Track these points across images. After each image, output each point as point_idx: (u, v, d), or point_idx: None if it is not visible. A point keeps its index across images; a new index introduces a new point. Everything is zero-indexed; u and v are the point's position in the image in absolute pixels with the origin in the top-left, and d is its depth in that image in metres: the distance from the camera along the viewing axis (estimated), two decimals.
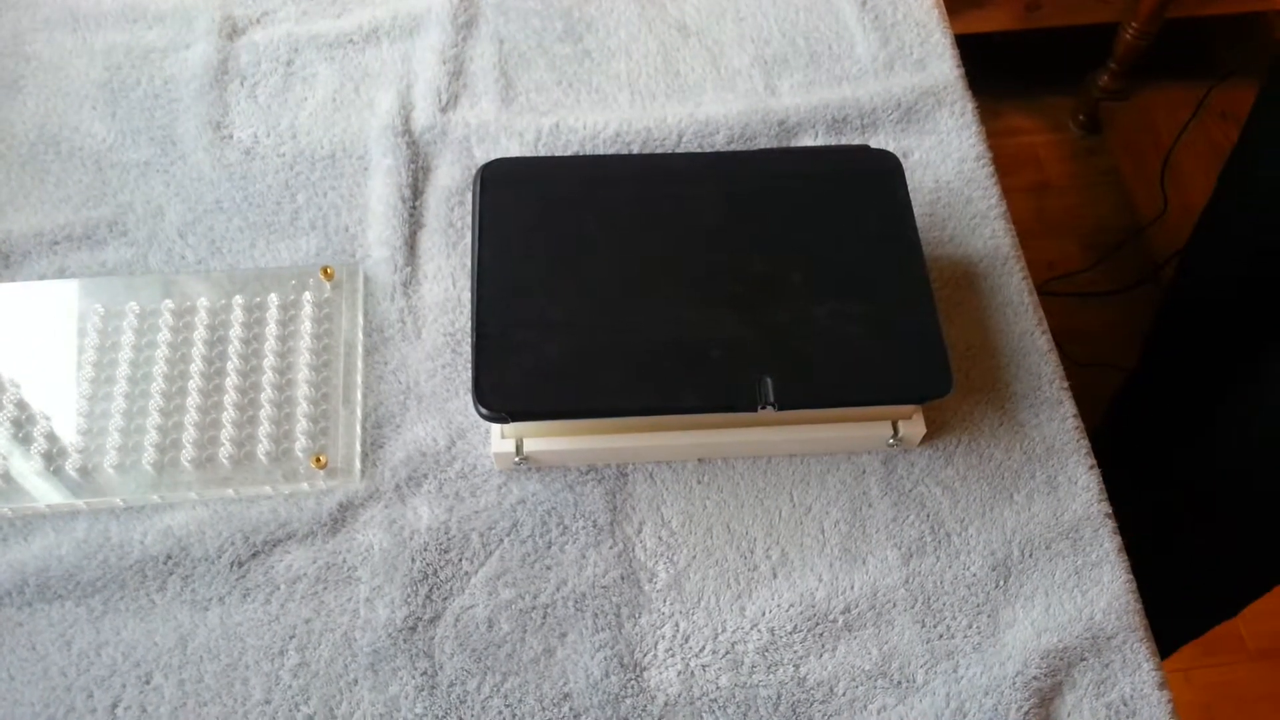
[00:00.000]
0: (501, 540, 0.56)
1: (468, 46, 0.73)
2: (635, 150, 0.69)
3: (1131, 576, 0.56)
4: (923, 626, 0.54)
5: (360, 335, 0.61)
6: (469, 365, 0.60)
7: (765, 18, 0.76)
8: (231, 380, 0.58)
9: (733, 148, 0.70)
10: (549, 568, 0.55)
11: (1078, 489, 0.58)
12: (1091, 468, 0.59)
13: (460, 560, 0.55)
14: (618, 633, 0.54)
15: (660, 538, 0.56)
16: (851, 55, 0.74)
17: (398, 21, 0.74)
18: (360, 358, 0.60)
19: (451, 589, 0.54)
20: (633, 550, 0.56)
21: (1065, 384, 0.62)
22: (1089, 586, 0.56)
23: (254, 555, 0.54)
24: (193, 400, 0.57)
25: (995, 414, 0.60)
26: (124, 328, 0.59)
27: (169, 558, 0.54)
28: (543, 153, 0.69)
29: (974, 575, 0.56)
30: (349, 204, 0.66)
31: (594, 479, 0.57)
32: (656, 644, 0.53)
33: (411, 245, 0.65)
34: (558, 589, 0.54)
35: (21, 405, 0.57)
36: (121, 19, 0.73)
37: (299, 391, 0.58)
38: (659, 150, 0.69)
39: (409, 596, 0.54)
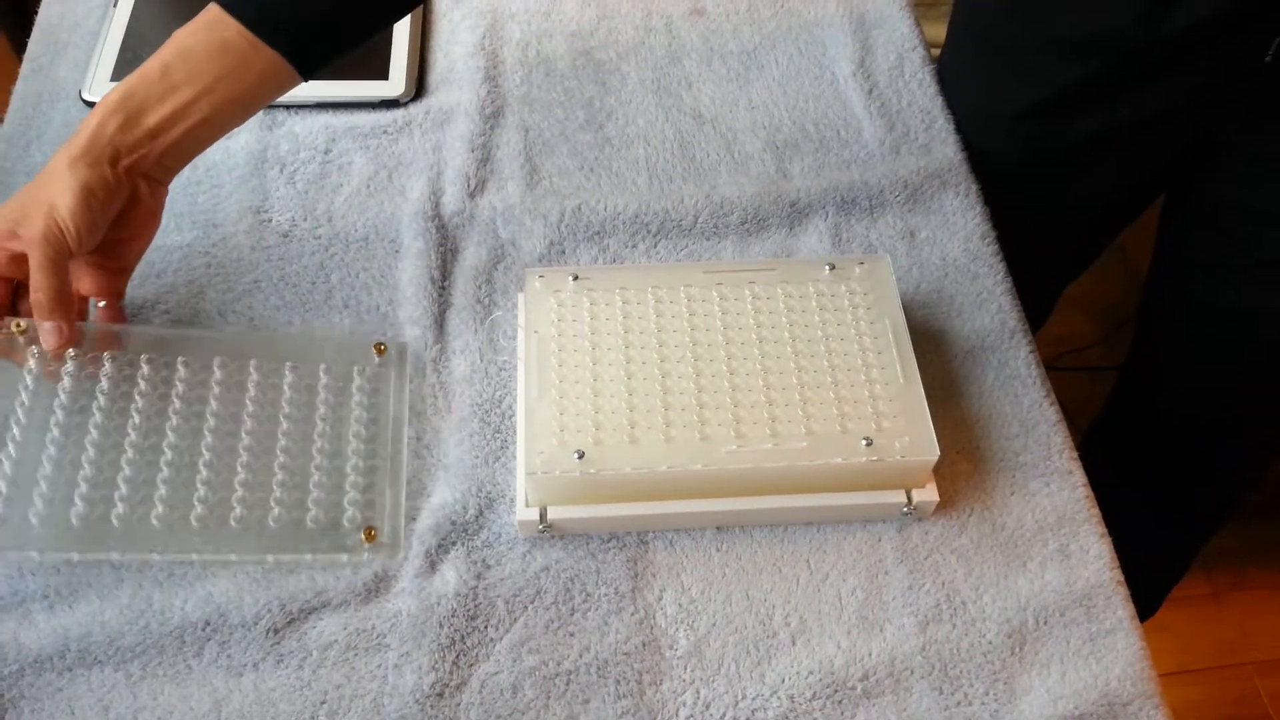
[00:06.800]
0: (526, 607, 0.57)
1: (495, 135, 0.77)
2: (653, 229, 0.72)
3: (1145, 644, 0.57)
4: (940, 694, 0.55)
5: (406, 413, 0.63)
6: (496, 435, 0.63)
7: (776, 106, 0.80)
8: (281, 443, 0.59)
9: (746, 227, 0.73)
10: (572, 634, 0.56)
11: (1090, 557, 0.60)
12: (1103, 536, 0.60)
13: (486, 627, 0.56)
14: (639, 700, 0.55)
15: (680, 605, 0.57)
16: (859, 140, 0.78)
17: (430, 114, 0.78)
18: (405, 435, 0.62)
19: (477, 656, 0.56)
20: (654, 617, 0.57)
21: (1075, 454, 0.63)
22: (1104, 654, 0.56)
23: (289, 622, 0.56)
24: (243, 461, 0.58)
25: (1007, 483, 0.62)
26: (174, 380, 0.60)
27: (208, 624, 0.55)
28: (565, 234, 0.72)
29: (990, 643, 0.57)
30: (380, 284, 0.69)
31: (615, 546, 0.59)
32: (678, 711, 0.54)
33: (440, 324, 0.67)
34: (580, 655, 0.56)
35: (66, 450, 0.57)
36: None
37: (348, 464, 0.59)
38: (676, 229, 0.72)
39: (436, 663, 0.55)
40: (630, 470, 0.56)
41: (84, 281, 0.61)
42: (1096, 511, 0.61)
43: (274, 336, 0.64)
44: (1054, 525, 0.61)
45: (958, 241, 0.73)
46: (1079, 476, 0.62)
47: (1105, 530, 0.61)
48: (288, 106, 0.78)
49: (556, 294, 0.63)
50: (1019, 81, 0.76)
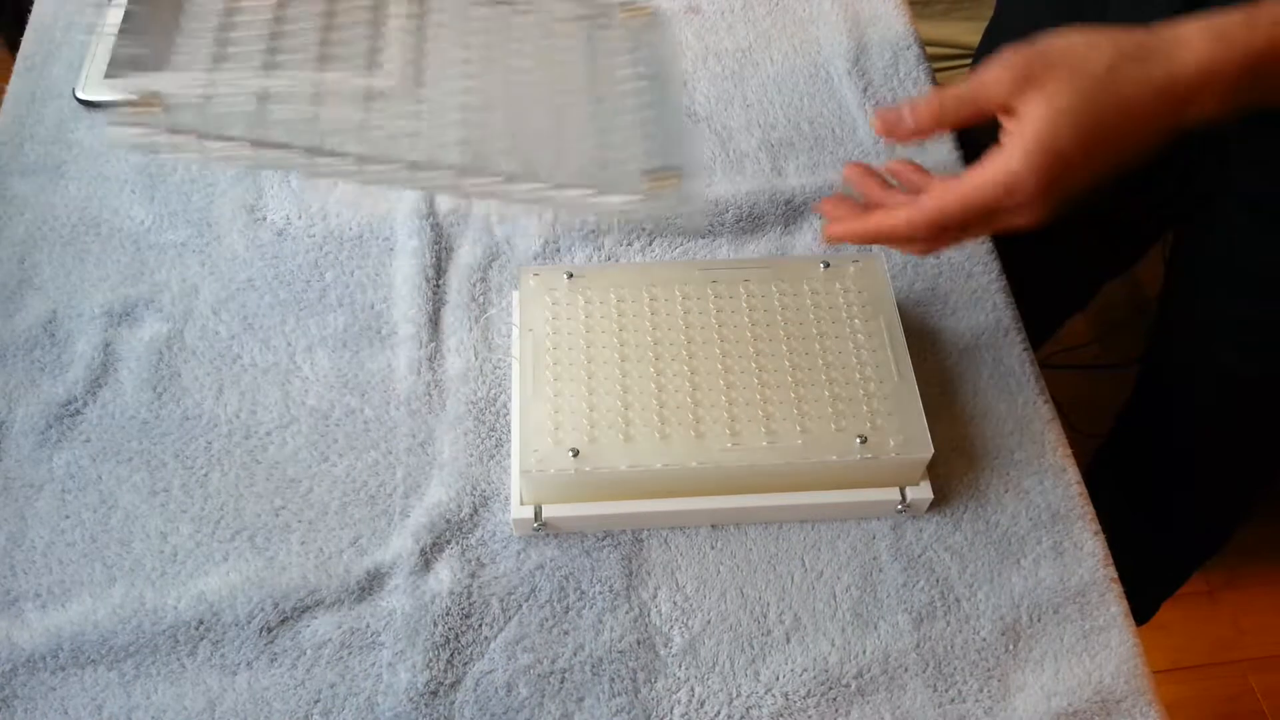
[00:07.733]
0: (520, 605, 0.57)
1: None
2: (648, 228, 0.72)
3: (1138, 641, 0.57)
4: (934, 691, 0.55)
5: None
6: (491, 434, 0.63)
7: (771, 104, 0.80)
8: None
9: (741, 225, 0.73)
10: (566, 632, 0.56)
11: (1083, 554, 0.60)
12: (1096, 533, 0.60)
13: (480, 625, 0.56)
14: (634, 698, 0.55)
15: (675, 603, 0.57)
16: (854, 138, 0.78)
17: None
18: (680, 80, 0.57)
19: (472, 654, 0.56)
20: (648, 615, 0.57)
21: (1068, 451, 0.63)
22: (1097, 650, 0.57)
23: (283, 621, 0.56)
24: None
25: (1000, 481, 0.62)
26: None
27: (201, 623, 0.55)
28: (560, 232, 0.72)
29: (984, 640, 0.57)
30: (375, 282, 0.69)
31: (610, 544, 0.59)
32: (672, 709, 0.54)
33: (435, 321, 0.67)
34: (575, 654, 0.56)
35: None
36: None
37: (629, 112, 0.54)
38: (671, 228, 0.72)
39: (430, 661, 0.55)
40: (625, 468, 0.56)
41: None
42: (1090, 509, 0.61)
43: None
44: (1048, 522, 0.61)
45: None
46: (1072, 474, 0.62)
47: (1099, 527, 0.61)
48: None
49: (551, 292, 0.63)
50: None
